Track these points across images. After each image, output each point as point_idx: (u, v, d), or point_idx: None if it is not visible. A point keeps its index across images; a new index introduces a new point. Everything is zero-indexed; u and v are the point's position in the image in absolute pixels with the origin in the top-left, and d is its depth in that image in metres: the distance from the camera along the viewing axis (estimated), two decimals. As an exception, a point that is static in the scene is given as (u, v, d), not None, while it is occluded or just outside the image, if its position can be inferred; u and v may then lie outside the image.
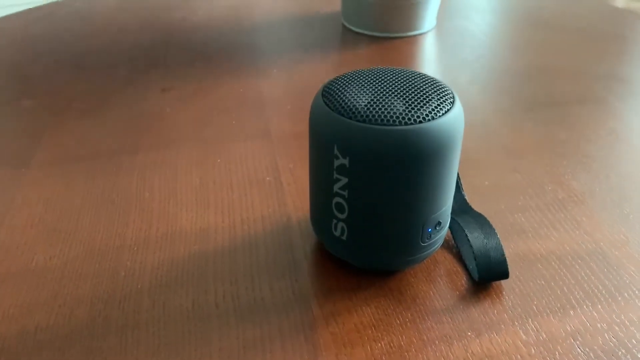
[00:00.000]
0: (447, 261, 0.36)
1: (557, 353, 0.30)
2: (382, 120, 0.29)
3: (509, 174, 0.45)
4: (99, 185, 0.44)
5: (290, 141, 0.49)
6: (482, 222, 0.36)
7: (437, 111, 0.30)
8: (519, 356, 0.30)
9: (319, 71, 0.63)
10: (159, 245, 0.38)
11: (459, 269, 0.36)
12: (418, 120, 0.29)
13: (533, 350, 0.30)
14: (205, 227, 0.39)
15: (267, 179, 0.44)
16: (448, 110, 0.30)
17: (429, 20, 0.74)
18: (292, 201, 0.42)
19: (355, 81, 0.32)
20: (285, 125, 0.52)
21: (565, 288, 0.34)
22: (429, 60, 0.66)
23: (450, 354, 0.30)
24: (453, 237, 0.37)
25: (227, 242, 0.38)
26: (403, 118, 0.29)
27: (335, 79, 0.33)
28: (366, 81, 0.32)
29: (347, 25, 0.76)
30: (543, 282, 0.35)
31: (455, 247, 0.37)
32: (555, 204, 0.41)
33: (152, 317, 0.32)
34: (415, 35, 0.73)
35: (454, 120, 0.30)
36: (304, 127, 0.51)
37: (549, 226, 0.39)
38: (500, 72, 0.63)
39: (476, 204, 0.41)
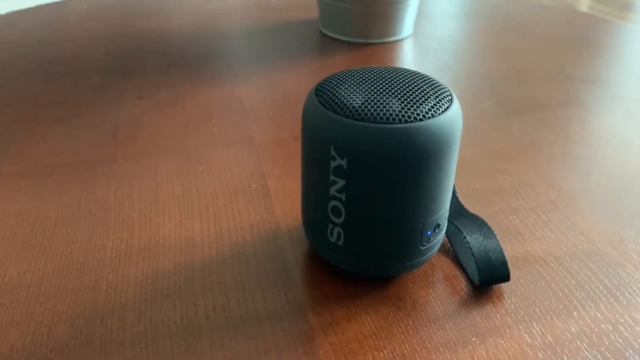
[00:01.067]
0: (444, 265, 0.35)
1: (564, 356, 0.29)
2: (381, 118, 0.28)
3: (500, 177, 0.44)
4: (75, 196, 0.41)
5: (274, 147, 0.48)
6: (479, 224, 0.35)
7: (437, 109, 0.29)
8: (526, 361, 0.29)
9: (298, 77, 0.62)
10: (142, 256, 0.36)
11: (457, 273, 0.35)
12: (418, 118, 0.28)
13: (540, 354, 0.29)
14: (190, 236, 0.37)
15: (253, 186, 0.43)
16: (447, 107, 0.29)
17: (406, 26, 0.73)
18: (281, 208, 0.40)
19: (349, 80, 0.31)
20: (268, 131, 0.50)
21: (566, 289, 0.34)
22: (409, 65, 0.66)
23: (455, 361, 0.29)
24: (449, 241, 0.36)
25: (214, 252, 0.36)
26: (403, 116, 0.28)
27: (327, 78, 0.32)
28: (360, 80, 0.31)
29: (324, 31, 0.75)
30: (544, 284, 0.34)
31: (452, 250, 0.36)
32: (548, 205, 0.41)
33: (139, 334, 0.30)
34: (393, 42, 0.72)
35: (453, 117, 0.29)
36: (288, 133, 0.50)
37: (544, 227, 0.39)
38: (481, 77, 0.63)
39: (469, 207, 0.40)
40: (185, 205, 0.40)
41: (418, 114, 0.28)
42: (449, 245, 0.37)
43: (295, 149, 0.47)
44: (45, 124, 0.52)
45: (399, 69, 0.32)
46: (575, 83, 0.61)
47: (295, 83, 0.60)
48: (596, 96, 0.58)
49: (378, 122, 0.28)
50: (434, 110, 0.29)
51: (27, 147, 0.48)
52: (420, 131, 0.28)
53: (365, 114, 0.28)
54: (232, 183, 0.43)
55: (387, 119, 0.28)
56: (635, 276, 0.35)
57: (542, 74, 0.64)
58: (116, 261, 0.35)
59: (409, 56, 0.69)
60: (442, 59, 0.68)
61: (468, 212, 0.37)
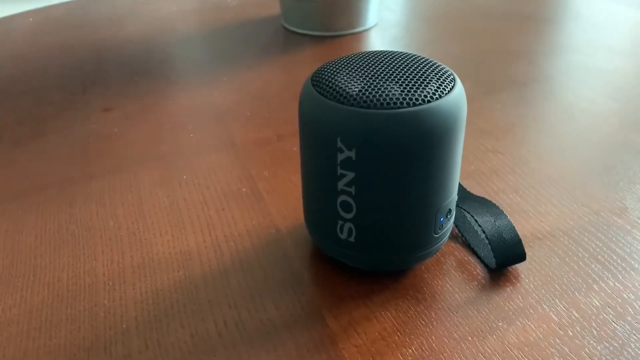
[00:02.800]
0: (455, 252, 0.34)
1: (594, 330, 0.29)
2: (387, 103, 0.26)
3: (493, 156, 0.43)
4: (53, 219, 0.38)
5: (258, 148, 0.46)
6: (487, 204, 0.34)
7: (443, 89, 0.28)
8: (557, 340, 0.28)
9: (269, 75, 0.60)
10: (137, 276, 0.33)
11: (469, 258, 0.34)
12: (426, 100, 0.27)
13: (570, 331, 0.29)
14: (185, 249, 0.35)
15: (243, 190, 0.40)
16: (452, 87, 0.28)
17: (371, 16, 0.72)
18: (276, 210, 0.38)
19: (345, 67, 0.30)
20: (248, 132, 0.48)
21: (581, 263, 0.33)
22: (380, 54, 0.65)
23: (486, 348, 0.28)
24: (457, 226, 0.35)
25: (214, 263, 0.34)
26: (410, 99, 0.27)
27: (322, 67, 0.30)
28: (357, 66, 0.29)
29: (288, 27, 0.73)
30: (558, 260, 0.33)
31: (461, 236, 0.35)
32: (546, 180, 0.40)
33: (147, 359, 0.28)
34: (359, 32, 0.71)
35: (459, 97, 0.28)
36: (269, 132, 0.48)
37: (546, 203, 0.38)
38: (454, 60, 0.62)
39: (469, 189, 0.39)
40: (174, 217, 0.38)
41: (425, 96, 0.27)
42: (456, 231, 0.36)
43: (280, 148, 0.45)
44: (8, 146, 0.48)
45: (396, 52, 0.31)
46: (544, 58, 0.62)
47: (267, 81, 0.58)
48: (565, 68, 0.59)
49: (385, 108, 0.26)
50: (440, 91, 0.28)
51: (-8, 172, 0.44)
52: (430, 113, 0.27)
53: (371, 101, 0.27)
54: (221, 189, 0.41)
55: (395, 103, 0.26)
56: (646, 242, 0.34)
57: (511, 52, 0.64)
58: (110, 284, 0.33)
59: (377, 46, 0.68)
60: (411, 46, 0.67)
61: (472, 194, 0.36)
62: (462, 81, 0.56)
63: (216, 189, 0.41)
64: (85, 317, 0.30)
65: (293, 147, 0.45)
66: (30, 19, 0.82)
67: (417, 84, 0.28)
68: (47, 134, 0.49)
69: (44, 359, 0.28)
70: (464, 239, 0.35)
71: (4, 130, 0.50)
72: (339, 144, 0.27)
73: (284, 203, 0.39)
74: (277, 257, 0.34)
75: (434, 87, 0.28)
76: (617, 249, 0.34)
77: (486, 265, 0.33)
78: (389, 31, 0.72)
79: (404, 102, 0.27)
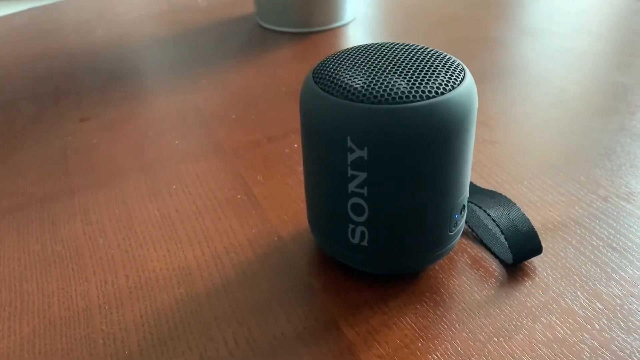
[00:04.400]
0: (467, 249, 0.33)
1: (620, 322, 0.28)
2: (400, 97, 0.25)
3: (491, 147, 0.42)
4: (37, 240, 0.36)
5: (248, 152, 0.44)
6: (497, 197, 0.33)
7: (454, 80, 0.26)
8: (586, 335, 0.27)
9: (249, 75, 0.57)
10: (135, 297, 0.31)
11: (483, 254, 0.32)
12: (439, 92, 0.25)
13: (597, 325, 0.28)
14: (184, 264, 0.33)
15: (238, 196, 0.38)
16: (463, 78, 0.27)
17: (348, 11, 0.71)
18: (276, 216, 0.36)
19: (347, 61, 0.28)
20: (236, 136, 0.46)
21: (596, 252, 0.32)
22: (361, 49, 0.63)
23: (515, 348, 0.27)
24: (466, 222, 0.34)
25: (216, 277, 0.32)
26: (423, 92, 0.25)
27: (322, 62, 0.29)
28: (360, 59, 0.28)
29: (264, 25, 0.71)
30: (573, 250, 0.32)
31: (472, 232, 0.34)
32: (550, 168, 0.39)
33: (156, 387, 0.26)
34: (338, 27, 0.70)
35: (472, 87, 0.27)
36: (259, 135, 0.46)
37: (552, 192, 0.37)
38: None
39: (474, 182, 0.38)
40: (168, 230, 0.36)
41: (438, 88, 0.25)
42: (466, 227, 0.34)
43: (271, 150, 0.44)
44: (-22, 164, 0.45)
45: (399, 44, 0.29)
46: (526, 43, 0.61)
47: (248, 81, 0.56)
48: (550, 53, 0.58)
49: (398, 103, 0.25)
50: (452, 83, 0.26)
51: (-36, 193, 0.41)
52: (443, 106, 0.25)
53: (381, 95, 0.25)
54: (214, 197, 0.39)
55: (407, 97, 0.25)
56: (658, 226, 0.34)
57: (492, 39, 0.63)
58: (106, 307, 0.30)
59: (357, 41, 0.66)
60: (391, 38, 0.66)
61: (480, 187, 0.35)
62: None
63: (209, 198, 0.39)
64: (83, 346, 0.28)
65: (285, 148, 0.44)
66: (-9, 29, 0.78)
67: (425, 76, 0.26)
68: (21, 149, 0.46)
69: (41, 395, 0.26)
70: (474, 234, 0.34)
71: (-26, 147, 0.47)
72: (350, 144, 0.26)
73: (283, 208, 0.37)
74: (283, 267, 0.32)
75: (444, 78, 0.26)
76: (630, 235, 0.33)
77: (501, 261, 0.32)
78: (368, 25, 0.71)
79: (416, 96, 0.25)
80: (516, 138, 0.43)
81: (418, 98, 0.25)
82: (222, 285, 0.31)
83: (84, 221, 0.37)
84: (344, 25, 0.70)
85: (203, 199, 0.39)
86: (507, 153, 0.42)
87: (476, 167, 0.40)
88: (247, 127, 0.47)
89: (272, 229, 0.35)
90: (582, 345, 0.26)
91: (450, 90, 0.26)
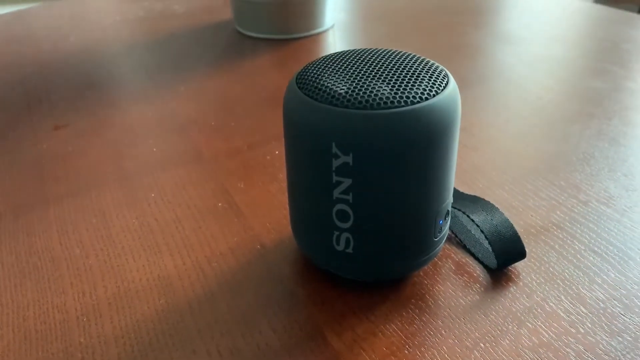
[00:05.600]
0: (452, 254, 0.33)
1: (604, 325, 0.28)
2: (385, 103, 0.25)
3: (473, 153, 0.43)
4: (11, 252, 0.35)
5: (228, 159, 0.43)
6: (480, 202, 0.33)
7: (438, 86, 0.26)
8: (570, 339, 0.27)
9: (228, 82, 0.57)
10: (114, 308, 0.30)
11: (467, 260, 0.32)
12: (423, 97, 0.25)
13: (581, 328, 0.28)
14: (164, 274, 0.32)
15: (219, 204, 0.38)
16: (446, 84, 0.27)
17: (327, 17, 0.71)
18: (259, 224, 0.36)
19: (330, 67, 0.28)
20: (216, 143, 0.46)
21: (579, 255, 0.32)
22: (340, 55, 0.63)
23: (501, 354, 0.26)
24: (450, 228, 0.34)
25: (198, 287, 0.31)
26: (407, 97, 0.25)
27: (305, 68, 0.28)
28: (343, 65, 0.28)
29: (242, 31, 0.71)
30: (555, 254, 0.32)
31: (455, 237, 0.34)
32: (530, 173, 0.40)
33: (137, 402, 0.25)
34: (316, 34, 0.70)
35: (455, 93, 0.27)
36: (239, 142, 0.45)
37: (533, 196, 0.37)
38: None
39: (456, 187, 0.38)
40: (147, 240, 0.35)
41: (422, 94, 0.25)
42: (449, 232, 0.34)
43: (252, 158, 0.43)
44: (-52, 173, 0.43)
45: (382, 49, 0.29)
46: (503, 50, 0.62)
47: (227, 88, 0.56)
48: (527, 59, 0.59)
49: (382, 108, 0.25)
50: (436, 88, 0.26)
51: None
52: (428, 111, 0.25)
53: (366, 101, 0.25)
54: (194, 205, 0.38)
55: (391, 102, 0.25)
56: (638, 230, 0.34)
57: (471, 46, 0.64)
58: (84, 320, 0.29)
59: (336, 47, 0.66)
60: (371, 45, 0.66)
61: (464, 193, 0.35)
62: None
63: (189, 206, 0.38)
64: (60, 360, 0.27)
65: (266, 155, 0.43)
66: (-40, 35, 0.76)
67: (409, 82, 0.26)
68: (-7, 158, 0.45)
69: (17, 413, 0.25)
70: (458, 240, 0.34)
71: (-57, 156, 0.46)
72: (335, 149, 0.25)
73: (266, 216, 0.36)
74: (267, 275, 0.32)
75: (427, 84, 0.26)
76: (611, 239, 0.33)
77: (485, 266, 0.32)
78: (347, 32, 0.71)
79: (401, 101, 0.25)
80: (497, 144, 0.44)
81: (402, 103, 0.25)
82: (205, 296, 0.31)
83: (60, 231, 0.36)
84: (323, 31, 0.70)
85: (183, 207, 0.38)
86: (488, 159, 0.42)
87: (458, 173, 0.40)
88: (226, 134, 0.47)
89: (255, 237, 0.35)
90: (568, 350, 0.27)
91: (434, 95, 0.26)
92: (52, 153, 0.45)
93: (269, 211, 0.37)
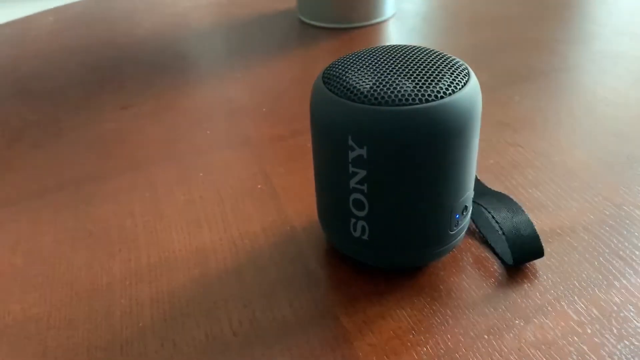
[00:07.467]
0: (472, 248, 0.34)
1: (614, 329, 0.28)
2: (400, 100, 0.26)
3: (512, 150, 0.43)
4: (71, 218, 0.39)
5: (273, 145, 0.46)
6: (505, 200, 0.34)
7: (456, 85, 0.27)
8: (575, 338, 0.28)
9: (284, 70, 0.59)
10: (153, 275, 0.33)
11: (487, 254, 0.33)
12: (439, 96, 0.26)
13: (589, 329, 0.28)
14: (201, 247, 0.35)
15: (259, 187, 0.40)
16: (466, 83, 0.28)
17: (388, 6, 0.71)
18: (292, 207, 0.38)
19: (357, 63, 0.29)
20: (264, 129, 0.48)
21: (601, 258, 0.32)
22: (396, 46, 0.64)
23: (503, 347, 0.27)
24: (474, 222, 0.35)
25: (229, 261, 0.34)
26: (422, 95, 0.26)
27: (333, 64, 0.30)
28: (369, 62, 0.29)
29: (304, 20, 0.73)
30: (577, 256, 0.33)
31: (478, 232, 0.35)
32: (567, 174, 0.39)
33: (163, 358, 0.28)
34: (377, 23, 0.70)
35: (473, 93, 0.28)
36: (284, 129, 0.48)
37: (566, 197, 0.37)
38: (472, 50, 0.61)
39: (487, 184, 0.38)
40: (190, 215, 0.38)
41: (438, 92, 0.26)
42: (473, 226, 0.35)
43: (295, 145, 0.45)
44: (26, 146, 0.49)
45: (408, 46, 0.30)
46: (567, 46, 0.60)
47: (283, 76, 0.58)
48: (588, 57, 0.57)
49: (397, 105, 0.26)
50: (453, 87, 0.27)
51: (10, 173, 0.45)
52: (441, 110, 0.26)
53: (382, 97, 0.26)
54: (236, 186, 0.41)
55: (407, 100, 0.26)
56: (669, 237, 0.33)
57: (533, 40, 0.62)
58: (127, 283, 0.33)
59: (395, 37, 0.67)
60: (429, 36, 0.66)
61: (490, 189, 0.35)
62: (481, 72, 0.55)
63: (231, 186, 0.41)
64: (103, 316, 0.31)
65: (308, 142, 0.45)
66: (51, 18, 0.82)
67: (429, 79, 0.27)
68: (64, 134, 0.50)
69: (63, 357, 0.29)
70: (481, 235, 0.34)
71: (23, 130, 0.51)
72: (350, 142, 0.27)
73: (299, 200, 0.39)
74: (292, 255, 0.34)
75: (447, 82, 0.27)
76: (639, 244, 0.33)
77: (503, 262, 0.32)
78: (407, 22, 0.71)
79: (416, 99, 0.26)
80: (539, 142, 0.43)
81: (417, 101, 0.26)
82: (233, 269, 0.33)
83: (114, 203, 0.40)
84: (383, 21, 0.71)
85: (225, 187, 0.41)
86: (527, 156, 0.42)
87: (494, 169, 0.41)
88: (274, 121, 0.49)
89: (286, 220, 0.37)
90: (570, 348, 0.27)
91: (450, 94, 0.27)
92: (116, 131, 0.50)
93: (303, 196, 0.39)
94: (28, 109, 0.55)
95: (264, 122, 0.49)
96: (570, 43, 0.61)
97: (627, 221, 0.35)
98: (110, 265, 0.34)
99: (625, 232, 0.34)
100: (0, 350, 0.29)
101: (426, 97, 0.26)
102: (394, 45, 0.31)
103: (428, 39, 0.65)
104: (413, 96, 0.26)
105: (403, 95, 0.26)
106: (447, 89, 0.27)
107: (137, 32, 0.74)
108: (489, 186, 0.38)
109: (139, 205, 0.40)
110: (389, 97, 0.26)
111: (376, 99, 0.26)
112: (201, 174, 0.43)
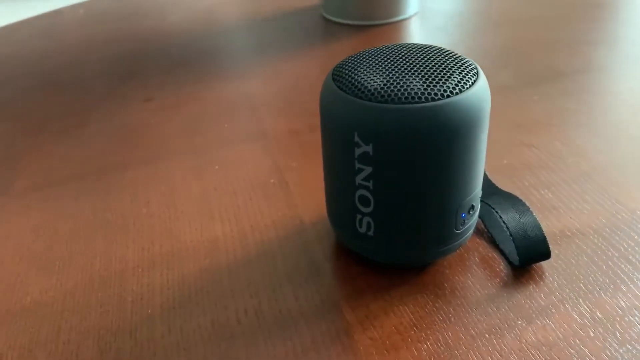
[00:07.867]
0: (480, 247, 0.34)
1: (617, 332, 0.28)
2: (406, 98, 0.26)
3: (527, 150, 0.42)
4: (89, 206, 0.40)
5: (288, 140, 0.46)
6: (514, 201, 0.34)
7: (463, 84, 0.27)
8: (577, 340, 0.28)
9: (305, 66, 0.60)
10: (165, 263, 0.34)
11: (494, 254, 0.33)
12: (445, 95, 0.27)
13: (592, 332, 0.28)
14: (213, 238, 0.36)
15: (271, 181, 0.41)
16: (474, 82, 0.28)
17: (412, 4, 0.71)
18: (302, 202, 0.39)
19: (367, 61, 0.30)
20: (280, 124, 0.49)
21: (610, 262, 0.32)
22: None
23: (503, 346, 0.28)
24: (482, 221, 0.35)
25: (239, 252, 0.35)
26: (429, 94, 0.26)
27: (344, 61, 0.30)
28: (379, 60, 0.29)
29: (328, 17, 0.73)
30: (585, 259, 0.32)
31: (487, 231, 0.35)
32: (581, 176, 0.39)
33: (170, 344, 0.29)
34: (400, 21, 0.70)
35: (481, 92, 0.28)
36: (301, 124, 0.48)
37: (579, 199, 0.37)
38: (494, 50, 0.61)
39: (499, 184, 0.38)
40: (204, 207, 0.39)
41: (444, 91, 0.27)
42: (482, 226, 0.35)
43: (310, 140, 0.46)
44: (52, 135, 0.50)
45: (419, 45, 0.31)
46: (591, 47, 0.59)
47: (303, 72, 0.59)
48: (613, 59, 0.56)
49: (403, 103, 0.26)
50: (460, 86, 0.27)
51: (36, 160, 0.47)
52: (447, 109, 0.26)
53: (389, 95, 0.27)
54: (250, 180, 0.41)
55: (412, 98, 0.26)
56: (682, 242, 0.33)
57: (556, 41, 0.62)
58: (139, 271, 0.34)
59: (418, 35, 0.67)
60: (453, 35, 0.66)
61: (500, 189, 0.35)
62: (503, 72, 0.55)
63: (245, 180, 0.42)
64: (114, 302, 0.32)
65: (323, 138, 0.46)
66: (81, 11, 0.85)
67: (438, 78, 0.27)
68: (88, 124, 0.51)
69: (75, 340, 0.30)
70: (489, 234, 0.35)
71: (49, 120, 0.53)
72: (356, 139, 0.27)
73: (310, 195, 0.39)
74: (300, 249, 0.35)
75: (454, 81, 0.27)
76: (650, 249, 0.33)
77: (510, 263, 0.32)
78: (430, 20, 0.71)
79: (422, 97, 0.26)
80: (554, 143, 0.43)
81: (424, 99, 0.26)
82: (243, 261, 0.34)
83: (132, 193, 0.41)
84: (406, 19, 0.71)
85: (239, 180, 0.42)
86: (541, 158, 0.42)
87: (507, 170, 0.40)
88: (291, 116, 0.50)
89: (297, 214, 0.38)
90: (572, 350, 0.27)
91: (457, 93, 0.27)
92: (137, 123, 0.51)
93: (313, 191, 0.39)
94: (55, 99, 0.57)
95: (280, 117, 0.50)
96: (595, 44, 0.60)
97: (639, 225, 0.35)
98: (125, 253, 0.35)
99: (636, 237, 0.34)
100: (16, 330, 0.31)
101: (432, 95, 0.26)
102: (405, 44, 0.31)
103: (451, 38, 0.65)
104: (420, 94, 0.26)
105: (410, 93, 0.26)
106: (454, 88, 0.27)
107: (164, 27, 0.75)
108: (501, 186, 0.38)
109: (155, 196, 0.41)
110: (396, 94, 0.27)
111: (382, 96, 0.27)
112: (217, 167, 0.43)
